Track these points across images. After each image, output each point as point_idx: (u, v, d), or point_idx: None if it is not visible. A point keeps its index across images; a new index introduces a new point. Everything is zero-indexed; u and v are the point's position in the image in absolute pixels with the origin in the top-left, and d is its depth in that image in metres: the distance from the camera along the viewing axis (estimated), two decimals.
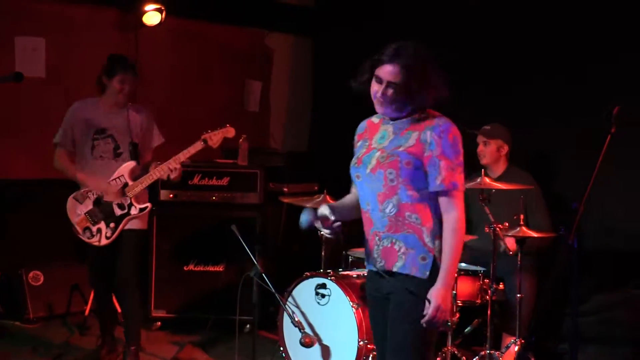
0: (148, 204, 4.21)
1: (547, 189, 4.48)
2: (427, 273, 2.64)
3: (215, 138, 4.21)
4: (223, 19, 6.33)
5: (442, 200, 2.65)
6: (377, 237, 2.73)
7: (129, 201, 4.14)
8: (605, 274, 4.50)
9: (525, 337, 3.80)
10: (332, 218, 2.63)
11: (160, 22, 5.72)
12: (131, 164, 4.16)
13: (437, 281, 2.61)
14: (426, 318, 2.58)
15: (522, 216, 3.92)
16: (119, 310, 4.76)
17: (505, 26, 5.01)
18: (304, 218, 2.68)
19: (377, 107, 2.71)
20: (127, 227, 4.17)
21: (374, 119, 2.83)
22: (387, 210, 2.68)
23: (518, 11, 4.95)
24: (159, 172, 4.11)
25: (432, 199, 2.66)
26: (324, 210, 2.66)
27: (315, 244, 4.44)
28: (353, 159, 2.79)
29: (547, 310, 3.75)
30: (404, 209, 2.65)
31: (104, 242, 4.14)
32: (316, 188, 5.53)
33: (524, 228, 3.88)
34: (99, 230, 4.14)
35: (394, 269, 2.69)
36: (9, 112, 5.34)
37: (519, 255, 3.95)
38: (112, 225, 4.14)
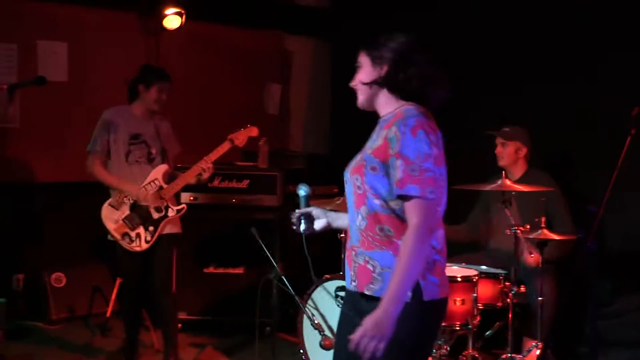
0: (184, 205, 4.30)
1: (568, 192, 4.43)
2: (409, 294, 2.22)
3: (240, 137, 4.39)
4: (242, 22, 6.36)
5: (405, 207, 2.24)
6: (353, 252, 2.39)
7: (165, 204, 4.19)
8: (629, 276, 4.45)
9: (545, 340, 3.76)
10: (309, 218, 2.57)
11: (180, 26, 5.75)
12: (164, 167, 4.24)
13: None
14: (351, 344, 2.17)
15: (543, 219, 3.88)
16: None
17: (522, 26, 4.97)
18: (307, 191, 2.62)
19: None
20: (165, 231, 4.22)
21: None
22: (358, 223, 2.35)
23: (537, 9, 4.91)
24: (192, 173, 4.23)
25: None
26: (315, 211, 2.60)
27: (335, 246, 4.44)
28: None
29: (566, 313, 3.71)
30: (375, 221, 2.30)
31: (144, 246, 4.17)
32: (336, 190, 5.52)
33: (545, 231, 3.84)
34: (138, 235, 4.16)
35: (367, 292, 2.31)
36: (33, 116, 5.39)
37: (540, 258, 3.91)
38: (150, 228, 4.17)
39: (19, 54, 5.35)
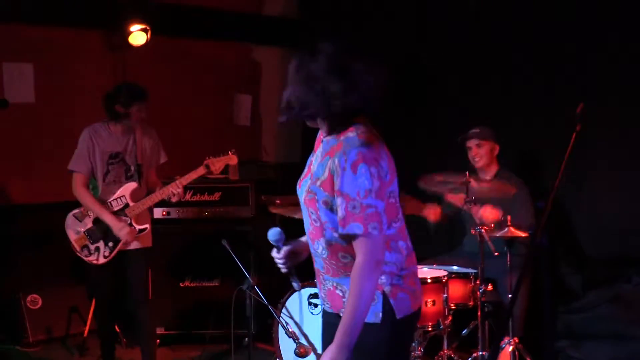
0: (147, 225, 4.25)
1: (533, 190, 4.49)
2: (380, 315, 2.25)
3: (217, 164, 4.30)
4: (208, 35, 6.36)
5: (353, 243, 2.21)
6: (321, 276, 2.40)
7: (129, 221, 4.18)
8: (597, 270, 4.52)
9: (506, 334, 3.79)
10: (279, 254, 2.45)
11: (147, 42, 5.74)
12: (133, 184, 4.22)
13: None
14: None
15: (509, 217, 3.93)
16: (118, 330, 4.79)
17: (487, 27, 5.05)
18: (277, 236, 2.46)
19: None
20: (134, 246, 4.22)
21: None
22: (320, 251, 2.33)
23: (501, 14, 4.99)
24: (160, 195, 4.21)
25: None
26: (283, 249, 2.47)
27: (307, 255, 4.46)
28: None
29: (541, 309, 3.76)
30: (336, 250, 2.28)
31: (102, 260, 4.18)
32: None
33: (511, 228, 3.90)
34: (97, 249, 4.18)
35: (342, 315, 2.26)
36: (1, 138, 5.37)
37: (509, 255, 3.96)
38: (110, 244, 4.18)
39: None
